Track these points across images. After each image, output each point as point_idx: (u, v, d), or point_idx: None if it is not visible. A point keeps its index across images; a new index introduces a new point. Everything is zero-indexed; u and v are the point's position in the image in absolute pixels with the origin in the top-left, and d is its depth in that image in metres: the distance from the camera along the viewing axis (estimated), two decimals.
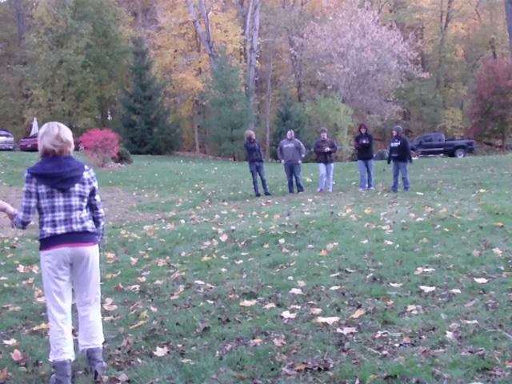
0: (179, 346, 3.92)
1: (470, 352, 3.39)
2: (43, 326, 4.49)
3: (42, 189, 3.41)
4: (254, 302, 4.76)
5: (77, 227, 3.45)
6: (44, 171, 3.41)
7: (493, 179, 14.33)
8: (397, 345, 3.62)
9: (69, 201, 3.45)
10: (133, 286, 5.58)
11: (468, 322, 3.90)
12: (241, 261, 6.45)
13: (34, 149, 28.40)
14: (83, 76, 37.64)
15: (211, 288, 5.36)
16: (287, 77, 46.07)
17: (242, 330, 4.10)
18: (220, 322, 4.33)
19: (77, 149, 28.91)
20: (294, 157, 13.76)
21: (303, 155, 14.04)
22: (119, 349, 3.90)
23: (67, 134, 3.49)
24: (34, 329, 4.47)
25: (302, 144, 14.10)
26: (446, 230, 7.23)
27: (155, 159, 28.64)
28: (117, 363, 3.65)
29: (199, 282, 5.60)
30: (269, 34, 44.53)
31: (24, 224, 3.54)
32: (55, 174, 3.40)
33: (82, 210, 3.51)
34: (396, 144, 12.75)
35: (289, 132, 14.18)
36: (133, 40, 38.40)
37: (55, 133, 3.44)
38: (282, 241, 7.26)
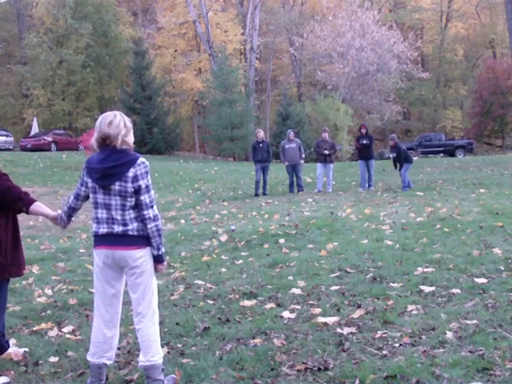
0: (179, 345, 3.92)
1: (470, 352, 3.39)
2: (43, 326, 4.50)
3: (90, 182, 3.25)
4: (254, 302, 4.76)
5: (117, 229, 3.18)
6: (89, 164, 3.24)
7: (493, 179, 14.33)
8: (397, 345, 3.62)
9: (108, 199, 3.18)
10: None
11: (468, 321, 3.90)
12: (241, 261, 6.45)
13: (34, 149, 28.32)
14: (83, 76, 37.59)
15: (211, 288, 5.36)
16: (287, 77, 46.02)
17: (242, 330, 4.10)
18: (220, 322, 4.33)
19: (77, 149, 29.07)
20: (296, 157, 13.81)
21: (303, 155, 14.08)
22: (119, 349, 3.89)
23: (113, 122, 3.18)
24: (34, 329, 4.47)
25: (301, 144, 14.14)
26: (446, 229, 7.23)
27: (155, 159, 28.57)
28: (117, 363, 3.65)
29: (199, 281, 5.60)
30: (269, 34, 44.49)
31: (70, 210, 3.43)
32: (96, 168, 3.18)
33: (124, 210, 3.17)
34: (394, 155, 13.66)
35: (290, 133, 14.13)
36: (133, 40, 38.35)
37: (99, 122, 3.20)
38: (282, 241, 7.26)
